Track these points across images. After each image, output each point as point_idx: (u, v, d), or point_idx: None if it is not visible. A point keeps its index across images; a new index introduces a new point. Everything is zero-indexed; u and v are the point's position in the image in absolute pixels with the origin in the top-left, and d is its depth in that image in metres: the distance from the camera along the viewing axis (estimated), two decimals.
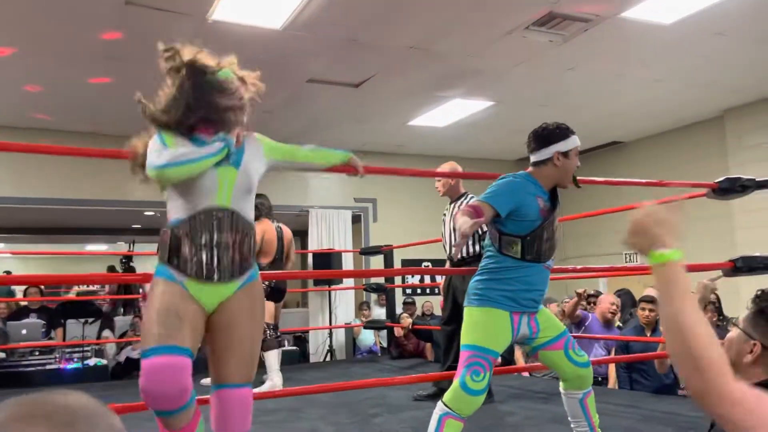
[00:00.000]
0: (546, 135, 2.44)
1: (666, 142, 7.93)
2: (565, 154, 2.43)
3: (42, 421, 0.61)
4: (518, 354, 5.38)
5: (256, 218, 5.01)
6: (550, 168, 2.43)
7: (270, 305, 4.77)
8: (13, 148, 3.78)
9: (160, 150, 1.95)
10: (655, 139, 8.05)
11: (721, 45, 5.18)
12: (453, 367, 4.12)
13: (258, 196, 4.99)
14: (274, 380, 4.61)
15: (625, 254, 8.31)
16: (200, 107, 1.99)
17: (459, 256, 4.00)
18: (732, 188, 3.31)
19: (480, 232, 3.76)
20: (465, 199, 4.10)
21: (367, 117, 6.96)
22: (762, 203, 5.78)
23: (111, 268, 9.99)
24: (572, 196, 9.64)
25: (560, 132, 2.44)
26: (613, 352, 4.85)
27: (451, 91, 6.22)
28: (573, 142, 2.46)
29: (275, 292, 4.86)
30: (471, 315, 2.36)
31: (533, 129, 2.50)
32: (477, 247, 3.87)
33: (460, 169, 4.19)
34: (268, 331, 4.72)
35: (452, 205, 4.14)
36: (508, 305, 2.33)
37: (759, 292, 1.63)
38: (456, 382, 2.26)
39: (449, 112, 6.86)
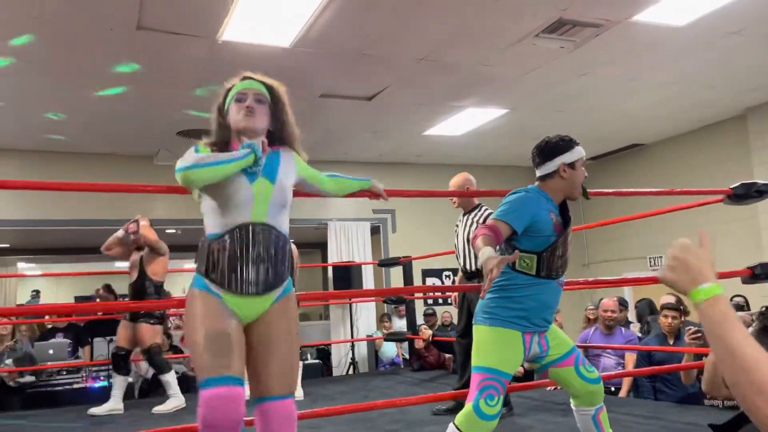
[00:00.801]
0: (550, 148, 2.41)
1: (687, 142, 7.80)
2: (572, 165, 2.39)
3: None
4: None
5: None
6: (557, 180, 2.39)
7: None
8: (44, 186, 3.89)
9: (189, 155, 2.01)
10: (676, 140, 7.92)
11: (737, 44, 5.08)
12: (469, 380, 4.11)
13: None
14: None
15: (649, 258, 8.18)
16: (213, 120, 2.14)
17: (473, 268, 3.98)
18: (747, 194, 3.23)
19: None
20: (479, 210, 4.09)
21: (381, 129, 6.98)
22: None
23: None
24: (593, 201, 9.51)
25: (564, 144, 2.41)
26: (626, 357, 4.78)
27: (465, 100, 6.20)
28: (578, 153, 2.42)
29: None
30: (482, 335, 2.31)
31: (536, 144, 2.46)
32: None
33: (473, 179, 4.17)
34: None
35: (466, 217, 4.13)
36: (520, 325, 2.28)
37: (764, 309, 1.59)
38: (469, 405, 2.21)
39: (464, 121, 6.84)
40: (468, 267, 4.06)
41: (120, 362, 4.77)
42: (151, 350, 4.76)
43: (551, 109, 6.54)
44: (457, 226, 4.19)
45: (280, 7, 4.10)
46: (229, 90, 2.16)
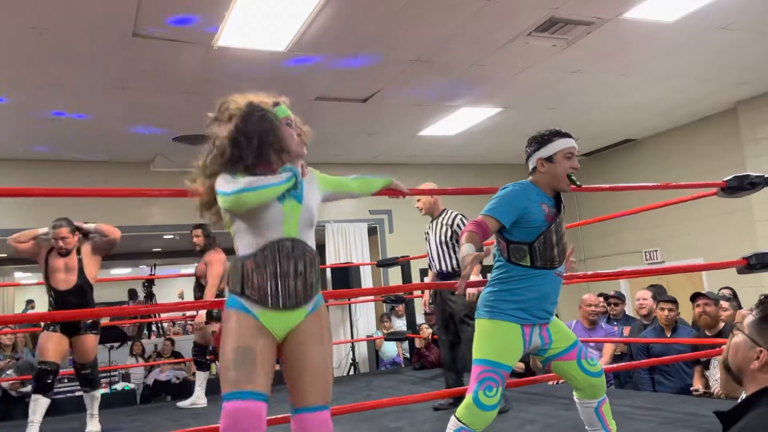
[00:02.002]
0: (528, 144, 2.50)
1: (680, 137, 7.88)
2: (549, 159, 2.43)
3: None
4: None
5: (210, 248, 5.01)
6: (539, 175, 2.45)
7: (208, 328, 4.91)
8: (41, 193, 3.91)
9: (232, 180, 2.00)
10: (669, 135, 8.00)
11: (727, 39, 5.14)
12: (460, 372, 4.14)
13: (201, 226, 5.00)
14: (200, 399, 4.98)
15: (645, 252, 8.25)
16: (261, 142, 2.05)
17: (449, 269, 4.12)
18: (741, 186, 3.29)
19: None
20: (445, 214, 4.22)
21: (376, 130, 7.02)
22: None
23: (132, 291, 10.13)
24: (588, 197, 9.62)
25: (540, 139, 2.47)
26: (604, 349, 4.83)
27: (459, 100, 6.25)
28: (557, 146, 2.44)
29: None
30: (482, 328, 2.36)
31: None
32: None
33: (437, 198, 4.30)
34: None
35: (434, 222, 4.26)
36: (519, 318, 2.32)
37: (763, 297, 1.61)
38: (469, 397, 2.26)
39: (458, 121, 6.88)
40: (444, 268, 4.17)
41: (47, 380, 4.07)
42: (95, 364, 4.34)
43: (544, 107, 6.60)
44: (426, 232, 4.34)
45: (274, 12, 4.14)
46: (262, 110, 2.10)
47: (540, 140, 2.46)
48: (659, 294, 5.57)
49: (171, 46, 4.48)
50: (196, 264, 5.23)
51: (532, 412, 3.91)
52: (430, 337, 6.17)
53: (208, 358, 5.16)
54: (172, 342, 7.99)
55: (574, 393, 2.50)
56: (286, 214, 2.04)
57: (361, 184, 2.51)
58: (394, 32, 4.58)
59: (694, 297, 4.30)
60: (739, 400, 2.25)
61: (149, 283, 9.44)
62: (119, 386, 6.62)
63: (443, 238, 4.16)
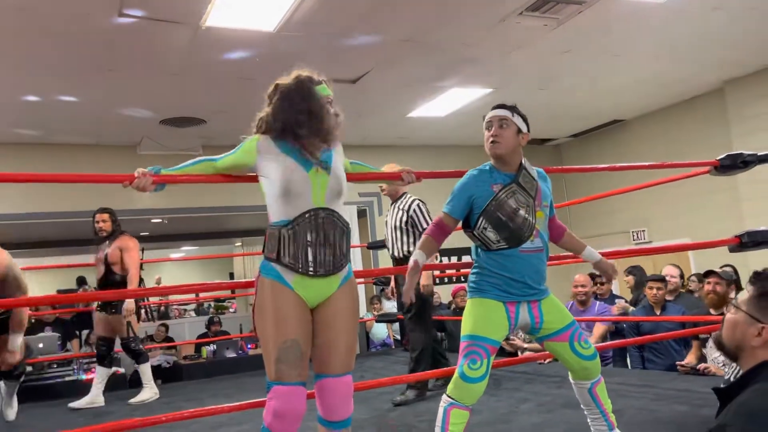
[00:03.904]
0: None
1: (668, 117, 7.91)
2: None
3: None
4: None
5: (119, 233, 4.87)
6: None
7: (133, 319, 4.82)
8: (30, 179, 3.86)
9: (239, 149, 2.28)
10: (657, 115, 8.03)
11: (717, 18, 5.15)
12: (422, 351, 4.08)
13: (107, 210, 4.82)
14: (150, 393, 4.79)
15: (632, 232, 8.32)
16: (305, 115, 2.20)
17: (400, 255, 4.16)
18: (734, 165, 3.30)
19: (420, 229, 4.03)
20: (404, 198, 4.21)
21: (366, 111, 6.97)
22: (766, 174, 5.76)
23: (81, 279, 9.89)
24: (576, 177, 9.64)
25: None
26: (594, 329, 4.88)
27: (449, 80, 6.22)
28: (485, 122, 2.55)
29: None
30: (467, 307, 2.42)
31: None
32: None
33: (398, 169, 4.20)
34: (134, 344, 4.79)
35: (393, 206, 4.27)
36: (501, 295, 2.35)
37: (756, 273, 1.62)
38: (456, 372, 2.29)
39: (448, 102, 6.85)
40: (397, 253, 4.19)
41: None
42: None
43: (534, 87, 6.59)
44: (386, 216, 4.34)
45: None
46: (309, 86, 2.28)
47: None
48: (641, 275, 5.63)
49: (158, 26, 4.40)
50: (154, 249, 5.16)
51: (524, 390, 3.95)
52: None
53: (114, 352, 5.00)
54: (166, 327, 7.97)
55: (569, 373, 2.52)
56: (312, 185, 2.13)
57: (356, 164, 2.58)
58: (384, 12, 4.53)
59: (707, 274, 4.26)
60: (729, 377, 2.28)
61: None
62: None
63: (398, 223, 4.16)
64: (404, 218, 4.14)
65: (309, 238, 2.10)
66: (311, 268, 2.10)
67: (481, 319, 2.34)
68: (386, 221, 4.33)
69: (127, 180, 2.27)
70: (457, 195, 2.42)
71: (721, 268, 4.47)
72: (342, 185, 2.22)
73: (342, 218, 2.19)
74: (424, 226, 4.07)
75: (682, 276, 5.14)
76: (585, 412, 2.51)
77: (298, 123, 2.18)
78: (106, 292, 4.69)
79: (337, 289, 2.17)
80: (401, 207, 4.19)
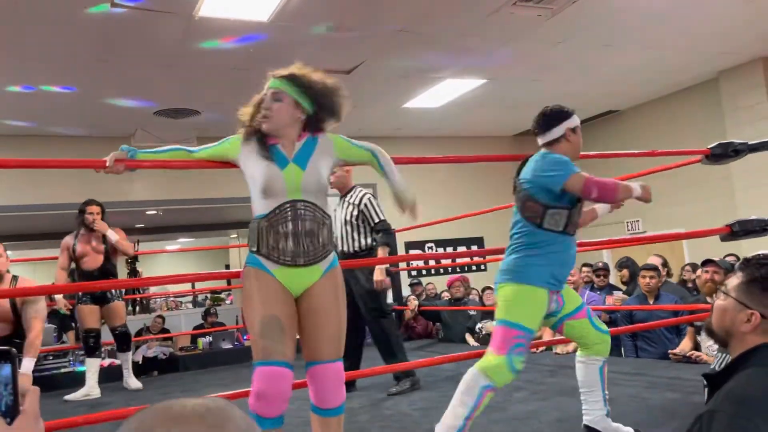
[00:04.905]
0: (555, 114, 2.55)
1: (662, 107, 7.92)
2: (574, 131, 2.55)
3: (197, 421, 0.63)
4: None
5: (108, 225, 4.82)
6: (564, 145, 2.52)
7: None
8: (20, 164, 3.92)
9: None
10: (651, 105, 8.04)
11: (711, 8, 5.15)
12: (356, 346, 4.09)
13: (99, 203, 4.85)
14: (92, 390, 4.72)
15: (627, 222, 8.35)
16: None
17: (351, 250, 4.06)
18: (725, 153, 3.32)
19: (372, 223, 4.00)
20: (353, 192, 4.11)
21: (361, 102, 6.95)
22: (760, 163, 5.80)
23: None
24: None
25: (567, 111, 2.56)
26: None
27: (443, 71, 6.21)
28: (577, 120, 2.58)
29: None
30: (513, 292, 2.38)
31: (539, 113, 2.59)
32: (369, 240, 4.03)
33: (345, 170, 4.08)
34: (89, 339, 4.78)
35: (342, 200, 4.15)
36: (548, 283, 2.39)
37: (745, 260, 1.63)
38: (501, 357, 2.30)
39: (443, 93, 6.85)
40: (347, 249, 4.07)
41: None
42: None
43: (528, 78, 6.59)
44: (334, 210, 4.17)
45: None
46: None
47: (568, 111, 2.55)
48: (634, 267, 5.67)
49: (151, 16, 4.38)
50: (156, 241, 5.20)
51: (518, 379, 3.96)
52: (417, 308, 6.22)
53: (101, 343, 5.03)
54: (163, 319, 7.98)
55: (579, 352, 2.57)
56: (286, 181, 2.16)
57: (382, 170, 2.45)
58: (379, 2, 4.52)
59: (705, 263, 4.28)
60: (718, 364, 2.31)
61: (133, 259, 9.35)
62: (106, 362, 6.59)
63: (349, 218, 4.05)
64: (355, 213, 4.03)
65: (286, 229, 2.13)
66: (289, 258, 2.13)
67: (534, 312, 2.38)
68: (334, 216, 4.15)
69: (99, 166, 2.34)
70: (572, 165, 2.42)
71: (724, 257, 4.47)
72: (318, 180, 2.21)
73: (321, 210, 2.20)
74: (376, 220, 4.01)
75: (665, 265, 5.18)
76: (582, 396, 2.54)
77: (259, 122, 2.23)
78: (109, 282, 4.70)
79: (320, 278, 2.19)
80: (351, 201, 4.07)
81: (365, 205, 4.03)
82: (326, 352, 2.18)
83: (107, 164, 2.34)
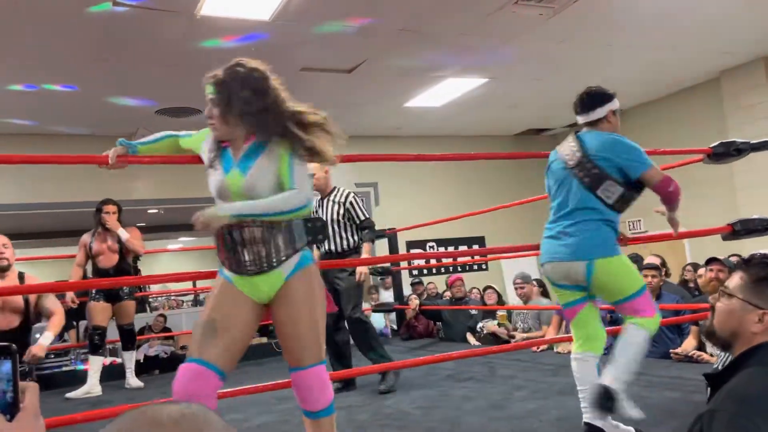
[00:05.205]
0: (600, 95, 2.60)
1: (663, 107, 7.91)
2: (615, 113, 2.62)
3: (171, 427, 0.63)
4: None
5: (122, 224, 4.83)
6: (605, 125, 2.58)
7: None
8: (23, 160, 3.98)
9: None
10: (653, 105, 8.03)
11: (712, 8, 5.15)
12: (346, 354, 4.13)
13: (116, 202, 4.84)
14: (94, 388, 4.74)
15: (629, 222, 8.34)
16: None
17: (340, 249, 4.08)
18: (727, 153, 3.32)
19: (357, 221, 4.05)
20: (337, 192, 4.13)
21: (362, 101, 6.96)
22: (761, 162, 5.79)
23: None
24: None
25: (609, 93, 2.61)
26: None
27: (445, 70, 6.21)
28: (618, 103, 2.65)
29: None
30: (623, 262, 2.50)
31: (583, 92, 2.64)
32: (356, 237, 4.09)
33: (324, 171, 4.09)
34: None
35: (325, 200, 4.14)
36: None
37: (744, 260, 1.62)
38: (655, 316, 2.46)
39: (444, 92, 6.85)
40: (334, 248, 4.08)
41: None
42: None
43: (530, 77, 6.58)
44: (315, 210, 4.15)
45: None
46: None
47: (610, 94, 2.60)
48: (641, 264, 5.64)
49: (153, 15, 4.39)
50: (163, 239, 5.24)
51: (519, 378, 3.98)
52: (418, 308, 6.22)
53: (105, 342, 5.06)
54: (165, 318, 7.98)
55: (575, 348, 2.62)
56: (227, 184, 2.13)
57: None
58: (380, 1, 4.52)
59: (709, 262, 4.25)
60: (721, 364, 2.29)
61: (135, 258, 9.35)
62: (107, 361, 6.60)
63: (335, 216, 4.05)
64: (341, 211, 4.06)
65: (231, 238, 2.08)
66: (236, 267, 2.10)
67: (636, 272, 2.54)
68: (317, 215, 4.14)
69: (102, 162, 2.36)
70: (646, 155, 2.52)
71: (728, 257, 4.44)
72: (259, 188, 2.09)
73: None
74: (361, 218, 4.06)
75: (663, 265, 5.18)
76: (580, 394, 2.55)
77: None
78: (121, 279, 4.71)
79: (285, 280, 2.11)
80: (336, 200, 4.09)
81: (350, 203, 4.08)
82: (303, 358, 2.12)
83: (109, 161, 2.33)
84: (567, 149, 2.59)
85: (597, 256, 2.44)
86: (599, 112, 2.56)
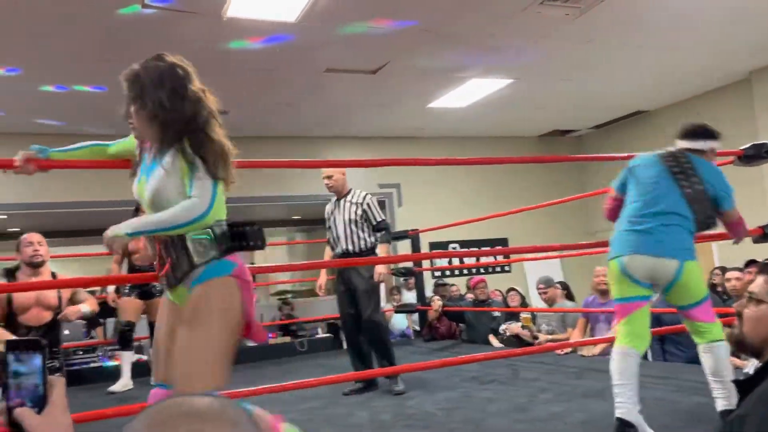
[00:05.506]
0: (711, 132, 2.93)
1: (693, 108, 7.77)
2: (714, 152, 2.92)
3: (212, 418, 0.62)
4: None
5: None
6: (705, 157, 2.85)
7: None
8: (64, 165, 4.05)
9: None
10: (681, 106, 7.90)
11: (741, 6, 5.05)
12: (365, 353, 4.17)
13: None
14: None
15: None
16: None
17: (357, 249, 4.10)
18: (758, 154, 3.26)
19: (374, 222, 4.10)
20: (353, 194, 4.18)
21: (386, 102, 6.97)
22: None
23: None
24: (598, 169, 9.47)
25: (718, 134, 2.95)
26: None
27: (469, 71, 6.19)
28: (720, 146, 2.98)
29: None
30: (698, 270, 2.69)
31: (698, 123, 2.97)
32: (372, 239, 4.13)
33: (341, 172, 4.20)
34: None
35: (342, 201, 4.18)
36: None
37: (766, 263, 1.59)
38: (717, 321, 2.67)
39: (468, 92, 6.83)
40: (351, 248, 4.10)
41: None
42: None
43: (556, 78, 6.53)
44: (331, 211, 4.22)
45: None
46: None
47: (719, 135, 2.94)
48: None
49: (180, 16, 4.44)
50: None
51: (543, 380, 3.95)
52: (440, 309, 6.21)
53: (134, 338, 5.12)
54: None
55: (622, 343, 2.65)
56: (138, 191, 2.05)
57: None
58: (404, 2, 4.52)
59: (748, 264, 4.21)
60: (753, 369, 2.25)
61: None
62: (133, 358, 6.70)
63: (353, 217, 4.10)
64: (359, 212, 4.10)
65: (154, 251, 2.05)
66: (162, 281, 2.05)
67: None
68: (333, 218, 4.19)
69: (7, 166, 2.23)
70: None
71: (765, 260, 4.36)
72: (160, 195, 1.94)
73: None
74: (378, 219, 4.12)
75: None
76: (616, 389, 2.58)
77: None
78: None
79: (186, 297, 1.95)
80: (354, 201, 4.14)
81: (368, 204, 4.13)
82: (169, 377, 1.93)
83: (16, 164, 2.20)
84: (673, 159, 2.79)
85: (688, 258, 2.63)
86: (702, 145, 2.84)
